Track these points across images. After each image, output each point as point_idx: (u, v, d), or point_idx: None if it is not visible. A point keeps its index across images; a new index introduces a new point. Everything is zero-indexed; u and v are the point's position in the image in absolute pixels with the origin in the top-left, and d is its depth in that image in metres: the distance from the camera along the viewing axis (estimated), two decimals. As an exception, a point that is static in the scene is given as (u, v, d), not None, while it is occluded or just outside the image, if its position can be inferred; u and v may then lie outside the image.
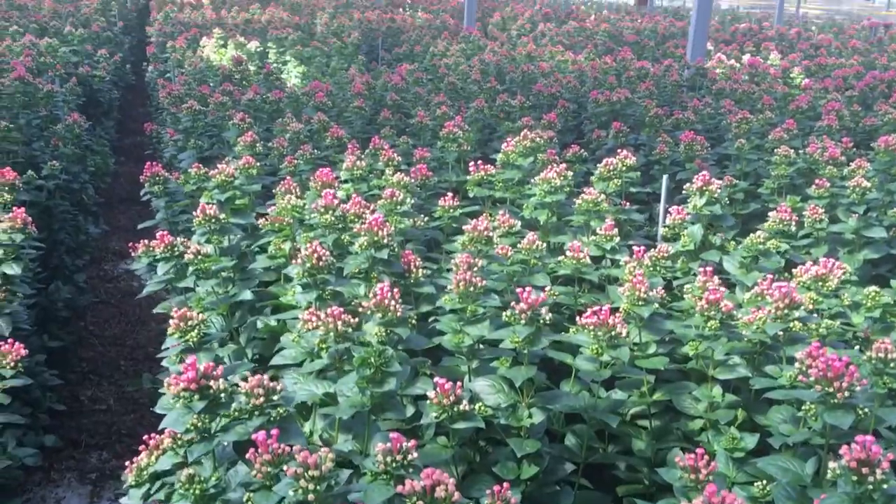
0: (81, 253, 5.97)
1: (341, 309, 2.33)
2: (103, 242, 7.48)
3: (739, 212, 4.77)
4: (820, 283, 2.96)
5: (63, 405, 4.50)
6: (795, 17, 25.14)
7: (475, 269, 2.74)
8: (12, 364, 2.85)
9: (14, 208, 3.55)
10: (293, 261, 2.78)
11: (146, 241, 3.36)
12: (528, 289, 2.51)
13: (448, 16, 16.67)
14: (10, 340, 2.97)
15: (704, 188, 3.61)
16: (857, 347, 3.03)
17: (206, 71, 7.78)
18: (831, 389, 2.08)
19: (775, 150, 4.77)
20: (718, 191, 3.62)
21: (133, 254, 3.40)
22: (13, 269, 3.42)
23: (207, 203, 3.39)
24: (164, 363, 2.96)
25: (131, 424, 4.89)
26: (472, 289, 2.63)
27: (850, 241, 4.11)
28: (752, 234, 3.31)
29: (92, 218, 6.42)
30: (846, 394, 2.07)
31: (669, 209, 3.73)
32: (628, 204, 4.20)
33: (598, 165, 4.34)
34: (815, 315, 2.90)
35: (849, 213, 4.11)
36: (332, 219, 3.04)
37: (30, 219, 3.52)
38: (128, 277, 7.13)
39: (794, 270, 3.11)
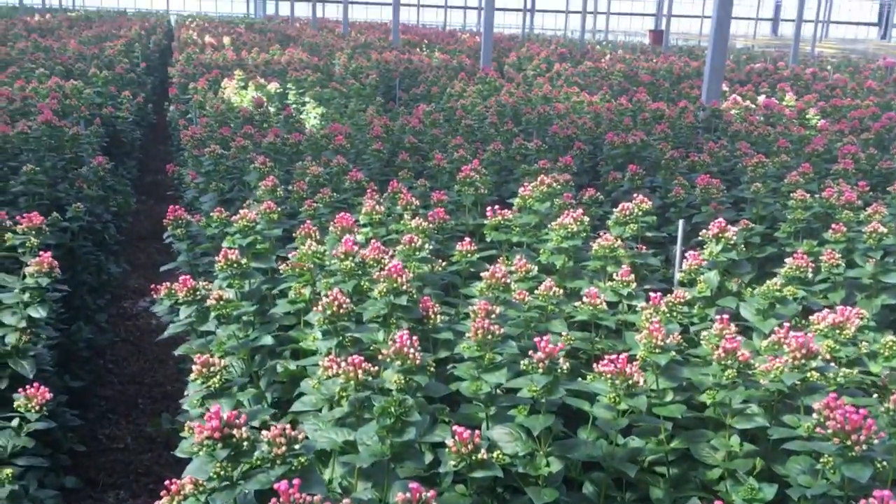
0: (103, 292, 6.04)
1: (361, 357, 2.37)
2: (123, 280, 7.57)
3: (756, 255, 4.78)
4: (837, 331, 2.97)
5: (83, 445, 4.54)
6: (810, 56, 25.28)
7: (493, 316, 2.77)
8: (37, 408, 2.89)
9: (41, 252, 3.63)
10: (314, 307, 2.82)
11: (168, 284, 3.43)
12: (545, 338, 2.53)
13: (464, 56, 16.90)
14: (35, 384, 3.02)
15: (720, 235, 3.64)
16: (875, 395, 3.02)
17: (227, 113, 7.92)
18: (849, 442, 2.09)
19: (791, 195, 4.79)
20: (734, 237, 3.64)
21: (155, 295, 3.46)
22: (39, 313, 3.49)
23: (229, 248, 3.45)
24: (184, 406, 3.00)
25: (148, 463, 4.92)
26: (489, 336, 2.66)
27: (867, 286, 4.11)
28: (768, 281, 3.32)
29: (113, 257, 6.51)
30: (864, 447, 2.07)
31: (686, 254, 3.75)
32: (644, 247, 4.23)
33: (614, 207, 4.38)
34: (833, 364, 2.90)
35: (866, 258, 4.11)
36: (352, 265, 3.09)
37: (56, 262, 3.59)
38: (147, 315, 7.20)
39: (811, 318, 3.11)
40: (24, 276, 3.62)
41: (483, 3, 15.53)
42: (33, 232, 3.77)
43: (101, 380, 5.81)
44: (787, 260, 3.52)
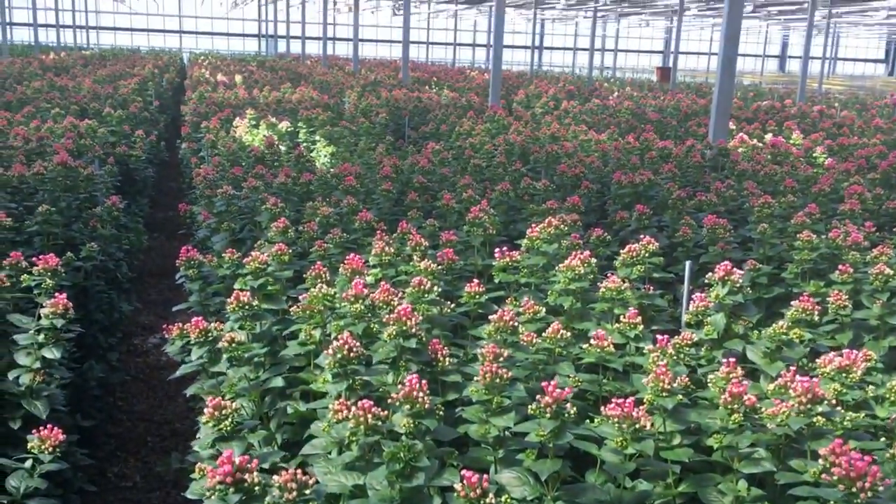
0: (114, 330, 6.10)
1: (371, 402, 2.40)
2: (133, 317, 7.63)
3: (764, 296, 4.80)
4: (843, 375, 2.99)
5: (93, 485, 4.56)
6: (818, 93, 25.43)
7: (500, 360, 2.80)
8: (50, 449, 2.93)
9: (56, 294, 3.69)
10: (324, 350, 2.86)
11: (180, 325, 3.47)
12: (552, 382, 2.56)
13: (473, 94, 17.08)
14: (48, 425, 3.06)
15: (726, 278, 3.67)
16: (883, 439, 3.03)
17: (238, 152, 8.03)
18: (854, 489, 2.10)
19: (798, 235, 4.82)
20: (740, 280, 3.67)
21: (167, 335, 3.51)
22: (53, 354, 3.54)
23: (241, 290, 3.50)
24: (195, 447, 3.03)
25: (157, 503, 4.94)
26: (497, 380, 2.69)
27: (875, 327, 4.12)
28: (774, 324, 3.34)
29: (125, 295, 6.57)
30: (869, 494, 2.09)
31: (693, 294, 3.77)
32: (652, 288, 4.26)
33: (622, 246, 4.42)
34: (840, 408, 2.91)
35: (873, 299, 4.13)
36: (362, 308, 3.13)
37: (70, 304, 3.65)
38: (157, 352, 7.25)
39: (817, 361, 3.13)
40: (40, 317, 3.68)
41: (491, 41, 15.74)
42: (49, 273, 3.83)
43: (111, 418, 5.84)
44: (792, 303, 3.55)
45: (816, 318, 3.53)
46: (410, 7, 21.97)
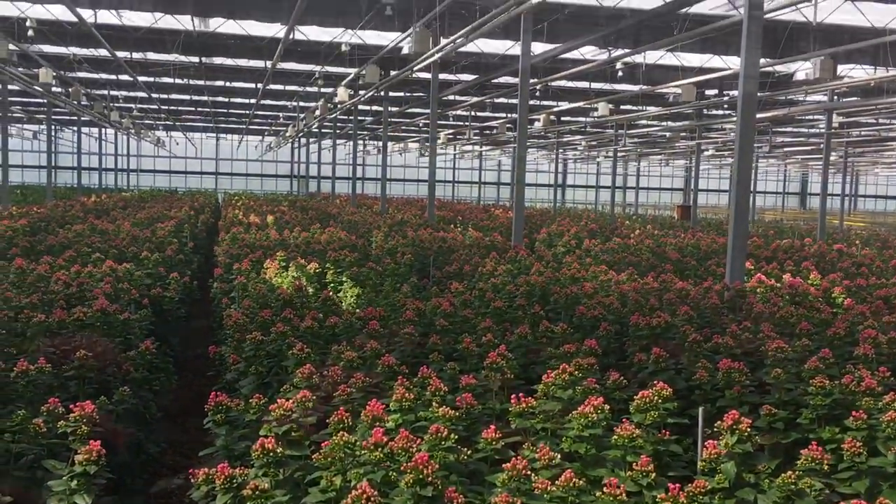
0: (141, 472, 6.18)
1: (386, 552, 2.50)
2: (159, 457, 7.70)
3: (781, 440, 4.83)
4: (853, 526, 3.03)
5: None
6: (839, 230, 25.70)
7: (513, 509, 2.90)
8: None
9: (90, 442, 3.85)
10: (344, 499, 2.97)
11: (206, 470, 3.61)
12: (561, 534, 2.65)
13: (497, 234, 17.52)
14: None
15: (734, 427, 3.76)
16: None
17: (268, 295, 8.32)
18: None
19: (811, 381, 4.90)
20: (748, 430, 3.74)
21: (192, 479, 3.65)
22: (84, 500, 3.66)
23: (265, 437, 3.65)
24: None
25: None
26: (510, 530, 2.78)
27: (891, 474, 4.13)
28: (783, 474, 3.41)
29: (153, 436, 6.69)
30: None
31: (708, 440, 3.85)
32: (668, 433, 4.33)
33: (641, 387, 4.52)
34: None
35: (887, 446, 4.16)
36: (381, 455, 3.26)
37: (104, 451, 3.81)
38: (179, 493, 7.27)
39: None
40: (73, 463, 3.83)
41: (514, 180, 16.31)
42: (84, 420, 4.01)
43: (133, 564, 5.84)
44: (802, 451, 3.61)
45: (827, 466, 3.58)
46: (436, 149, 22.92)
